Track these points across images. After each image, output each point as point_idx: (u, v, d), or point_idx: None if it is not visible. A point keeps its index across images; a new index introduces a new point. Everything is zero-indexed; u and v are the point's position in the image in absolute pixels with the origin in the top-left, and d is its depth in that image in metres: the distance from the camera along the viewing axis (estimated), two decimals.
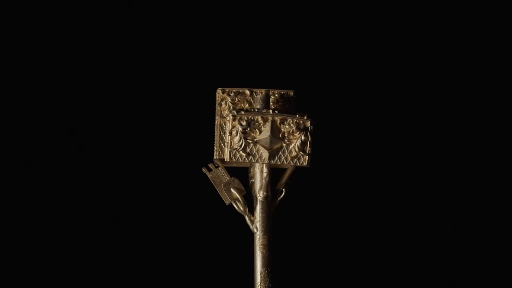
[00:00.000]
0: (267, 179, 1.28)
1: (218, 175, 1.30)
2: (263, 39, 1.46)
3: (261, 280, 1.27)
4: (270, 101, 1.32)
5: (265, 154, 1.25)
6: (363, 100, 1.46)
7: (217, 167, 1.30)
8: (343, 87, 1.46)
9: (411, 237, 1.42)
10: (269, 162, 1.26)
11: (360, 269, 1.41)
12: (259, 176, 1.29)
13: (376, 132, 1.45)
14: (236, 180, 1.30)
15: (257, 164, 1.28)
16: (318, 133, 1.34)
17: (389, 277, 1.42)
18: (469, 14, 1.49)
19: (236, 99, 1.32)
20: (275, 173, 1.31)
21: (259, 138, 1.25)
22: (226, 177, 1.29)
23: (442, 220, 1.44)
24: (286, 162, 1.26)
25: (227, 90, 1.32)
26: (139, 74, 1.42)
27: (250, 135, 1.25)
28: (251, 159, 1.25)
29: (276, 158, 1.26)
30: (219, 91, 1.33)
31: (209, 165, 1.30)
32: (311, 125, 1.25)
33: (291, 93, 1.34)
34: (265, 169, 1.28)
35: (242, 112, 1.25)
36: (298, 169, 1.30)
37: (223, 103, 1.32)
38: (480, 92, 1.48)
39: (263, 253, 1.28)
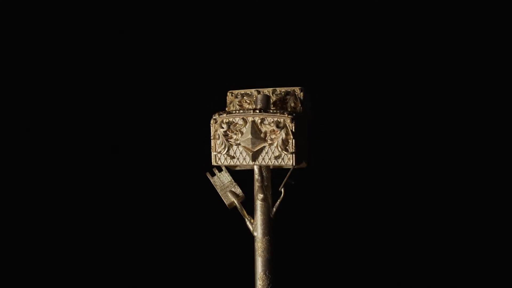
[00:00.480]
0: (259, 181, 1.25)
1: (221, 179, 1.30)
2: (281, 38, 1.44)
3: (259, 284, 1.25)
4: (277, 99, 1.29)
5: (248, 155, 1.23)
6: (376, 99, 1.40)
7: (220, 171, 1.30)
8: (360, 85, 1.41)
9: (412, 240, 1.37)
10: (253, 163, 1.23)
11: (361, 272, 1.36)
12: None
13: (387, 132, 1.38)
14: (234, 184, 1.28)
15: (255, 166, 1.26)
16: (328, 130, 1.32)
17: (390, 279, 1.36)
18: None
19: (243, 100, 1.30)
20: (280, 175, 1.27)
21: (241, 140, 1.23)
22: (226, 181, 1.29)
23: (444, 221, 1.37)
24: (271, 162, 1.22)
25: (235, 93, 1.31)
26: (157, 80, 1.46)
27: (233, 137, 1.23)
28: (236, 161, 1.23)
29: (260, 159, 1.22)
30: (228, 94, 1.32)
31: (213, 169, 1.30)
32: (291, 122, 1.20)
33: (297, 89, 1.29)
34: (256, 171, 1.25)
35: (224, 114, 1.23)
36: (303, 170, 1.26)
37: (231, 106, 1.31)
38: (491, 93, 1.37)
39: (261, 256, 1.25)
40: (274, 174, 1.27)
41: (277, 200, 1.26)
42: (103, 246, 1.43)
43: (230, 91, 1.32)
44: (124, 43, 1.47)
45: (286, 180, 1.26)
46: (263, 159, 1.22)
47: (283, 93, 1.29)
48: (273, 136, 1.21)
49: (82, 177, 1.45)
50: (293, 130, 1.20)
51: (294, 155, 1.21)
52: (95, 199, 1.44)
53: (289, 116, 1.20)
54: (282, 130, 1.20)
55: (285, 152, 1.20)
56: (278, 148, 1.21)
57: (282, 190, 1.26)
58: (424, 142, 1.39)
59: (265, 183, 1.26)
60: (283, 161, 1.21)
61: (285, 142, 1.20)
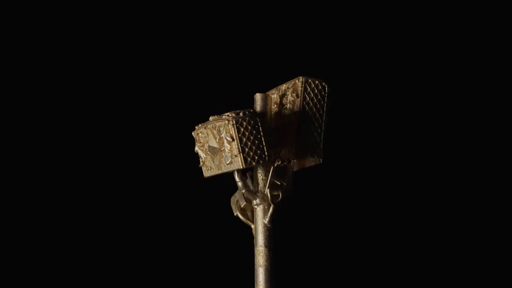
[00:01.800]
0: (240, 187, 1.20)
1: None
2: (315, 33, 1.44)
3: None
4: (279, 96, 1.23)
5: (215, 164, 1.20)
6: (402, 96, 1.36)
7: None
8: (386, 81, 1.37)
9: (421, 252, 1.32)
10: (219, 172, 1.19)
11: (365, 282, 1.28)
12: None
13: (399, 130, 1.34)
14: (241, 192, 1.26)
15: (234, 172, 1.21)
16: (337, 128, 1.24)
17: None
18: None
19: None
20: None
21: (208, 150, 1.21)
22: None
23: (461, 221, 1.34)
24: (227, 169, 1.17)
25: None
26: (192, 84, 1.50)
27: (206, 148, 1.22)
28: (213, 171, 1.22)
29: (223, 166, 1.19)
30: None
31: None
32: (228, 124, 1.14)
33: (298, 82, 1.20)
34: (236, 178, 1.20)
35: (200, 125, 1.24)
36: (306, 170, 1.21)
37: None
38: None
39: (261, 266, 1.20)
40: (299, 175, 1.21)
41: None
42: (103, 251, 1.45)
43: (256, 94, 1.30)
44: (153, 48, 1.53)
45: (270, 181, 1.19)
46: (223, 166, 1.18)
47: (288, 89, 1.22)
48: (223, 141, 1.16)
49: (85, 179, 1.49)
50: (232, 132, 1.14)
51: (239, 158, 1.14)
52: (102, 202, 1.48)
53: (227, 118, 1.14)
54: (223, 134, 1.15)
55: (233, 157, 1.15)
56: (229, 153, 1.16)
57: (268, 191, 1.19)
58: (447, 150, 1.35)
59: (256, 188, 1.21)
60: (234, 165, 1.15)
61: (229, 146, 1.15)
